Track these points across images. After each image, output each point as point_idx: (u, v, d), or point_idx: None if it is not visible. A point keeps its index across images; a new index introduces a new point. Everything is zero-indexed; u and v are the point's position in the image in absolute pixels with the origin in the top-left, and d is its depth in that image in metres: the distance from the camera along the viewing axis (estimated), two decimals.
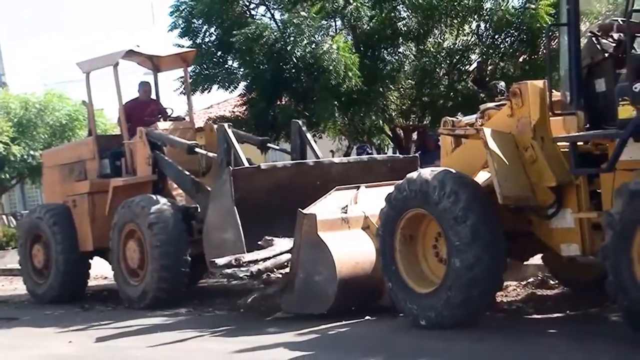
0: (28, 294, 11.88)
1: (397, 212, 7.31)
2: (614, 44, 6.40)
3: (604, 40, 6.45)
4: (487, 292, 6.93)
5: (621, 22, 6.28)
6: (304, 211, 8.15)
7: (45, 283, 11.39)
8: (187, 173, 10.33)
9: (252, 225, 8.64)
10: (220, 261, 8.17)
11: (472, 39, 13.59)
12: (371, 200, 8.29)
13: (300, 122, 10.47)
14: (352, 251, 8.03)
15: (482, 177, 7.30)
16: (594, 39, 6.48)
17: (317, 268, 8.00)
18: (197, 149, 10.47)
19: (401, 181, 7.32)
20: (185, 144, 10.54)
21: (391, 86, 13.40)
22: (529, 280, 8.90)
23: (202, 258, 10.73)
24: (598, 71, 6.43)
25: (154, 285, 9.91)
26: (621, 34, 6.29)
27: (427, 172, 7.15)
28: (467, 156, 7.41)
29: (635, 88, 5.94)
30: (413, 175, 7.21)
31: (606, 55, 6.40)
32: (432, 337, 6.84)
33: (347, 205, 8.43)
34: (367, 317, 7.90)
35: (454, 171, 7.13)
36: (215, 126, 10.58)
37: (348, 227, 8.27)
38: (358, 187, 8.77)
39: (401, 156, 11.13)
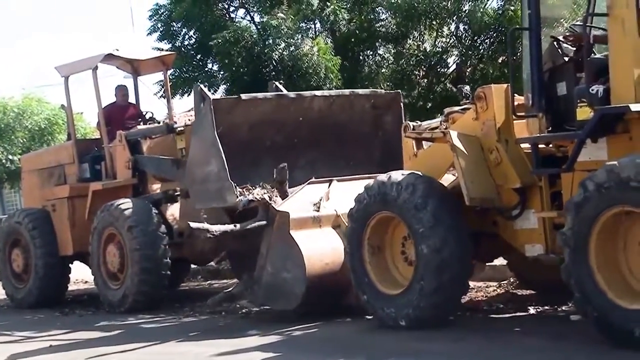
0: (7, 299, 11.83)
1: (360, 224, 7.41)
2: (574, 49, 6.51)
3: (565, 45, 6.57)
4: (458, 277, 6.98)
5: (576, 29, 6.38)
6: (277, 207, 8.14)
7: (25, 287, 11.33)
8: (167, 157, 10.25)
9: (235, 163, 8.41)
10: (194, 225, 8.10)
11: (451, 41, 13.70)
12: (343, 196, 8.25)
13: (277, 82, 10.27)
14: (322, 251, 8.02)
15: (447, 180, 7.40)
16: (555, 43, 6.59)
17: (287, 265, 8.00)
18: (175, 126, 10.47)
19: (360, 192, 7.44)
20: (163, 124, 10.56)
21: (370, 88, 13.49)
22: (509, 280, 8.95)
23: (183, 261, 10.84)
24: (559, 75, 6.54)
25: (134, 289, 9.88)
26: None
27: (382, 176, 7.27)
28: (431, 160, 7.50)
29: (592, 90, 6.04)
30: (370, 183, 7.35)
31: (566, 59, 6.52)
32: (412, 337, 6.86)
33: (319, 202, 8.40)
34: (348, 319, 7.94)
35: (408, 171, 7.28)
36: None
37: (319, 225, 8.24)
38: (330, 182, 8.70)
39: (384, 91, 10.83)
